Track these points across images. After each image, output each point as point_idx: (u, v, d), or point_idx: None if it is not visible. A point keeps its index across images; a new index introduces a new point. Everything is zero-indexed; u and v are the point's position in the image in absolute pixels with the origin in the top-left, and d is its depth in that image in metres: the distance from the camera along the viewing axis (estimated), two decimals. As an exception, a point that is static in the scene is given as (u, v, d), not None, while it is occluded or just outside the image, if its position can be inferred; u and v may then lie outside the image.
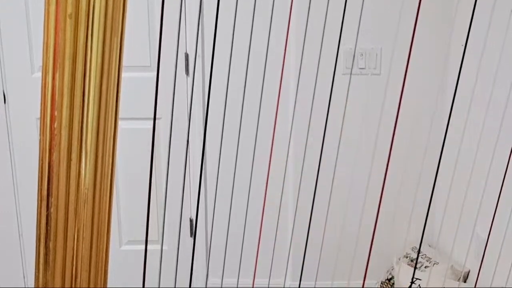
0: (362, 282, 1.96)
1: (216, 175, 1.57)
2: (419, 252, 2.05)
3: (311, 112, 1.51)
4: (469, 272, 2.26)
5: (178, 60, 2.42)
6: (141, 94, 2.52)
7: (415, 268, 2.14)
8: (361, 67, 2.50)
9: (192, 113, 2.60)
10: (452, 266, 2.28)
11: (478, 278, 1.90)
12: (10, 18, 2.54)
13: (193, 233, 1.59)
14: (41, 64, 2.49)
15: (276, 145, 1.61)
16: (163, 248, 2.67)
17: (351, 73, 2.48)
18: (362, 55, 2.48)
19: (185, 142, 2.61)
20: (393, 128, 1.26)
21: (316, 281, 1.75)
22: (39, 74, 2.55)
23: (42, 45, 0.82)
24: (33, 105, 2.58)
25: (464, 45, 2.14)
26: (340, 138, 1.44)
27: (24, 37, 2.55)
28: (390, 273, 2.49)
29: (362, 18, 1.35)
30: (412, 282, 2.29)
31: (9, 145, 2.64)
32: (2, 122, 2.61)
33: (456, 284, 2.21)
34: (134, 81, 2.45)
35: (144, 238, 2.69)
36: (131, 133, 2.52)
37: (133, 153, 2.49)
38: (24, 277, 2.78)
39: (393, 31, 2.37)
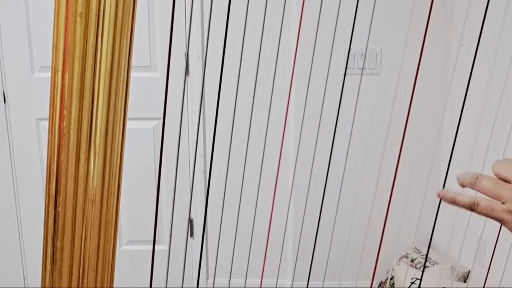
0: (355, 282, 1.96)
1: (218, 176, 1.58)
2: (428, 252, 2.05)
3: (324, 116, 1.51)
4: (469, 272, 2.27)
5: (178, 61, 2.42)
6: (141, 94, 2.53)
7: (424, 269, 2.15)
8: (361, 67, 2.51)
9: (193, 114, 2.60)
10: (452, 266, 2.29)
11: (486, 279, 1.91)
12: (10, 18, 2.54)
13: (203, 234, 1.59)
14: (41, 64, 2.50)
15: (276, 144, 1.61)
16: (162, 248, 2.68)
17: (345, 73, 2.48)
18: (362, 55, 2.49)
19: (183, 144, 2.61)
20: (404, 128, 1.26)
21: (324, 281, 1.75)
22: (39, 74, 2.56)
23: (52, 45, 0.82)
24: (33, 105, 2.59)
25: (463, 44, 2.15)
26: (349, 140, 1.44)
27: (24, 37, 2.55)
28: (390, 273, 2.50)
29: (362, 18, 1.35)
30: (412, 283, 2.29)
31: (9, 145, 2.64)
32: (2, 122, 2.61)
33: (456, 284, 2.21)
34: (134, 81, 2.46)
35: (144, 239, 2.71)
36: (130, 133, 2.51)
37: (131, 154, 2.49)
38: (24, 277, 2.77)
39: (393, 31, 2.38)
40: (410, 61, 1.42)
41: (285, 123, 2.41)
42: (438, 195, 0.68)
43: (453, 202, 0.67)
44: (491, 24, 1.37)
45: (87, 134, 0.85)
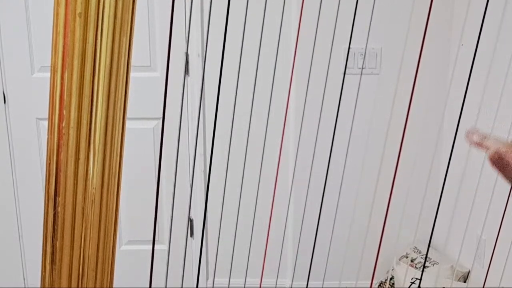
0: (355, 282, 1.96)
1: (218, 175, 1.58)
2: (427, 252, 2.05)
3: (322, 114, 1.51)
4: (469, 272, 2.27)
5: (178, 60, 2.42)
6: (141, 94, 2.53)
7: (424, 268, 2.15)
8: (361, 66, 2.51)
9: (193, 113, 2.60)
10: (452, 266, 2.29)
11: (486, 279, 1.91)
12: (10, 18, 2.54)
13: (202, 233, 1.58)
14: (41, 64, 2.50)
15: (276, 142, 1.61)
16: (162, 248, 2.68)
17: (345, 73, 2.48)
18: (362, 54, 2.48)
19: (183, 143, 2.61)
20: (403, 127, 1.26)
21: (324, 280, 1.75)
22: (39, 74, 2.56)
23: (51, 45, 0.82)
24: (33, 105, 2.58)
25: (463, 44, 2.15)
26: (348, 140, 1.44)
27: (24, 37, 2.55)
28: (390, 273, 2.50)
29: (362, 18, 1.35)
30: (412, 283, 2.29)
31: (9, 145, 2.64)
32: (2, 122, 2.61)
33: (456, 284, 2.21)
34: (134, 81, 2.46)
35: (144, 239, 2.71)
36: (129, 133, 2.51)
37: (131, 153, 2.49)
38: (24, 277, 2.77)
39: (393, 31, 2.38)
40: (410, 60, 1.42)
41: (285, 121, 2.41)
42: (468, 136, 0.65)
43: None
44: (491, 24, 1.37)
45: (86, 133, 0.85)
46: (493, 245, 1.76)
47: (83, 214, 0.89)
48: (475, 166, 1.68)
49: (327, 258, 1.86)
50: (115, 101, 0.85)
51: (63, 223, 0.89)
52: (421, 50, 1.29)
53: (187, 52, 2.51)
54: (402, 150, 1.37)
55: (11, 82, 2.59)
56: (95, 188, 0.88)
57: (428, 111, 2.39)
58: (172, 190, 1.20)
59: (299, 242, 2.04)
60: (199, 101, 2.59)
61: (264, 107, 1.54)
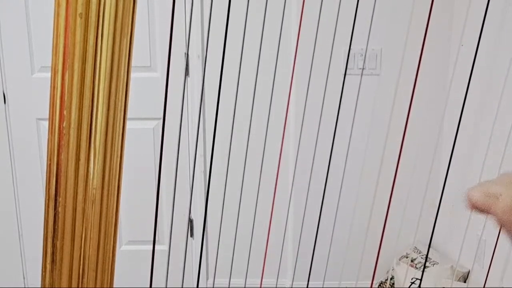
0: (355, 282, 1.96)
1: (218, 177, 1.58)
2: (428, 252, 2.05)
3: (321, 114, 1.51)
4: (469, 272, 2.27)
5: (178, 61, 2.42)
6: (141, 94, 2.53)
7: (424, 269, 2.15)
8: (361, 67, 2.51)
9: (193, 114, 2.60)
10: (452, 266, 2.29)
11: (486, 279, 1.91)
12: (10, 18, 2.54)
13: (203, 234, 1.59)
14: (41, 64, 2.49)
15: (276, 144, 1.61)
16: (162, 248, 2.68)
17: (345, 73, 2.48)
18: (362, 55, 2.48)
19: (183, 144, 2.61)
20: (404, 128, 1.26)
21: (324, 281, 1.76)
22: (39, 74, 2.55)
23: (51, 45, 0.82)
24: (33, 105, 2.58)
25: (463, 45, 2.15)
26: (349, 141, 1.45)
27: (24, 37, 2.55)
28: (390, 273, 2.50)
29: (362, 19, 1.35)
30: (412, 283, 2.29)
31: (9, 145, 2.63)
32: (2, 122, 2.61)
33: (456, 284, 2.21)
34: (134, 81, 2.46)
35: (144, 239, 2.70)
36: (130, 133, 2.51)
37: (131, 153, 2.48)
38: (24, 277, 2.77)
39: (393, 31, 2.38)
40: (410, 61, 1.42)
41: (285, 123, 2.41)
42: (470, 198, 0.55)
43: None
44: (491, 24, 1.37)
45: (87, 134, 0.85)
46: (493, 245, 1.76)
47: (83, 214, 0.89)
48: (475, 166, 1.68)
49: (327, 258, 1.86)
50: (115, 102, 0.85)
51: (64, 223, 0.89)
52: (421, 51, 1.29)
53: (187, 53, 2.51)
54: (402, 151, 1.37)
55: (11, 82, 2.59)
56: (96, 189, 0.88)
57: (428, 112, 2.39)
58: (173, 191, 1.20)
59: (299, 242, 2.04)
60: (199, 103, 2.59)
61: (264, 109, 1.54)
